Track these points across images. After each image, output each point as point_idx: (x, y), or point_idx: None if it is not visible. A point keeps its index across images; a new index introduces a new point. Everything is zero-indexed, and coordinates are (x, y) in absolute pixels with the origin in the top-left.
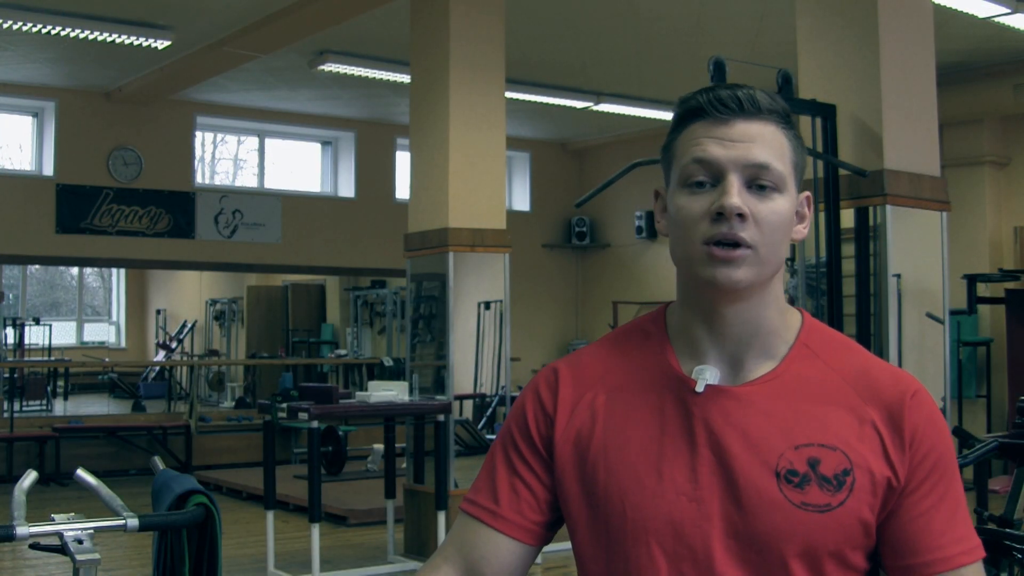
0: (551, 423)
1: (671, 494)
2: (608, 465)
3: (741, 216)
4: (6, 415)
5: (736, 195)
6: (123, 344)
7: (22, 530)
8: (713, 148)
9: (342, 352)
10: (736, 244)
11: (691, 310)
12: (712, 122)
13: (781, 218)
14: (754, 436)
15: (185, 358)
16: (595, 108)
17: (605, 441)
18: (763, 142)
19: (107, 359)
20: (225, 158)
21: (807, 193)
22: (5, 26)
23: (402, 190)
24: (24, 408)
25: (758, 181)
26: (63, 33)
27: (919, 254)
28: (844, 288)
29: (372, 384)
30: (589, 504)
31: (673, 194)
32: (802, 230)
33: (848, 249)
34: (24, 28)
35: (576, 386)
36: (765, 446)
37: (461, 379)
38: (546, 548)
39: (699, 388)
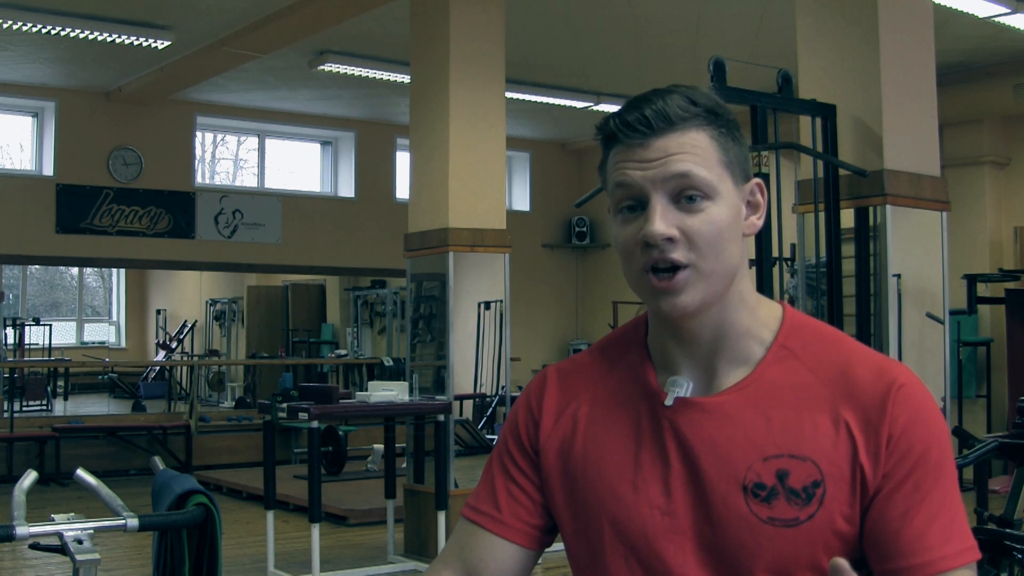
0: (537, 428)
1: (645, 508)
2: (587, 476)
3: (670, 239)
4: (6, 415)
5: (659, 220)
6: (123, 344)
7: (22, 530)
8: (631, 172)
9: (342, 352)
10: (674, 268)
11: (658, 327)
12: (627, 146)
13: (716, 227)
14: (722, 449)
15: (185, 358)
16: (595, 108)
17: (585, 453)
18: (683, 153)
19: (107, 359)
20: (225, 158)
21: (757, 180)
22: (5, 26)
23: (402, 190)
24: (24, 408)
25: (686, 193)
26: (63, 33)
27: (919, 254)
28: (844, 288)
29: (372, 384)
30: (571, 514)
31: (612, 220)
32: (756, 222)
33: (848, 249)
34: (24, 28)
35: (562, 394)
36: (733, 458)
37: (461, 379)
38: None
39: (668, 401)
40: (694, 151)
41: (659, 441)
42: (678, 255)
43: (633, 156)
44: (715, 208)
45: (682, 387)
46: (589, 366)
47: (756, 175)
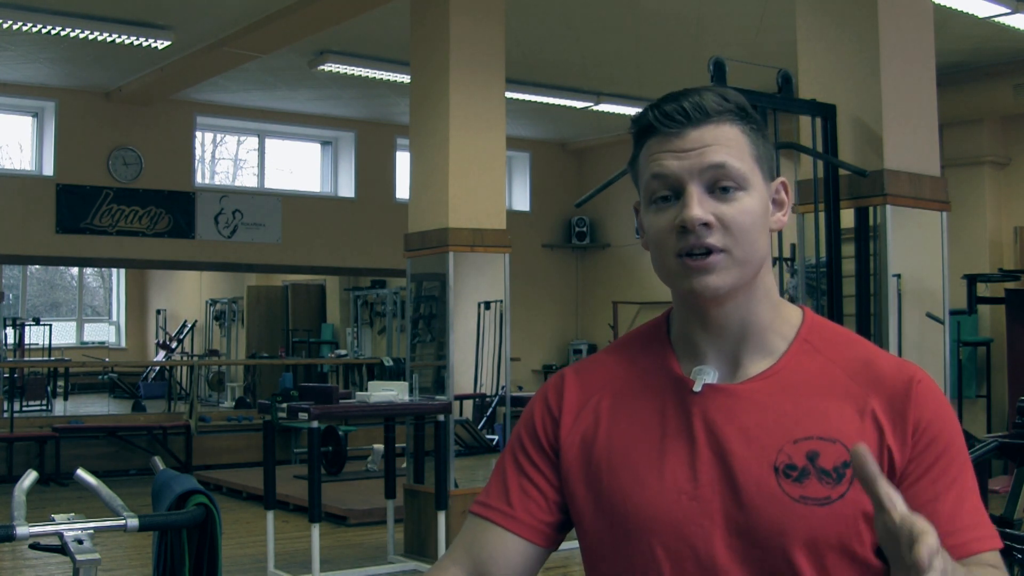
0: (557, 425)
1: (672, 493)
2: (611, 466)
3: (706, 225)
4: (6, 415)
5: (696, 206)
6: (123, 344)
7: (22, 530)
8: (668, 162)
9: (342, 352)
10: (708, 251)
11: (686, 316)
12: (664, 136)
13: (750, 216)
14: (752, 432)
15: (185, 358)
16: (595, 108)
17: (609, 443)
18: (718, 144)
19: (107, 359)
20: (225, 158)
21: (782, 179)
22: (5, 26)
23: (402, 190)
24: (24, 408)
25: (720, 184)
26: (63, 33)
27: (919, 254)
28: (844, 288)
29: (372, 384)
30: (594, 505)
31: (644, 212)
32: (781, 218)
33: (848, 249)
34: (24, 28)
35: (582, 390)
36: (763, 442)
37: (461, 379)
38: None
39: (696, 387)
40: (728, 143)
41: (686, 427)
42: (714, 240)
43: (669, 147)
44: (748, 198)
45: (709, 374)
46: (607, 362)
47: None
